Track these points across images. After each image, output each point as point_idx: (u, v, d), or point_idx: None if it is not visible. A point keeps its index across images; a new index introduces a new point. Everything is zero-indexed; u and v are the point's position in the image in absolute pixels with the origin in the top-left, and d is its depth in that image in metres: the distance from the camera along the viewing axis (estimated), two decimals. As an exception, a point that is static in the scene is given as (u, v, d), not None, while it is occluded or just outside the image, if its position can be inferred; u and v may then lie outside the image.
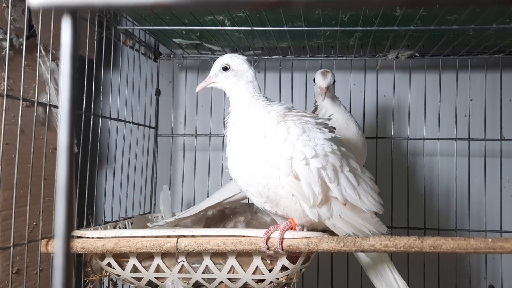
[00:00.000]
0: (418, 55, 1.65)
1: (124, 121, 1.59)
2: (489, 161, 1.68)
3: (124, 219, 1.47)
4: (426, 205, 1.67)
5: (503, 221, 1.63)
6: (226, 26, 1.47)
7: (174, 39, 1.66)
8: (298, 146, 1.03)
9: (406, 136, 1.71)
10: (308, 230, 1.13)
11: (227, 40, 1.63)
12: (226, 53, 1.72)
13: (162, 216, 1.57)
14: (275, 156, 1.03)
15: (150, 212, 1.72)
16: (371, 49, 1.66)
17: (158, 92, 1.82)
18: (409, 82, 1.70)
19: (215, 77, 1.13)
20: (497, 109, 1.67)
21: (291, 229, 1.12)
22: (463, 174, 1.67)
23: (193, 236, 1.14)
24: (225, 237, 1.12)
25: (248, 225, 1.41)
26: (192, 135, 1.79)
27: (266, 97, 1.13)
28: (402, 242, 1.08)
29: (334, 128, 1.17)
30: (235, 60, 1.12)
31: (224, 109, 1.75)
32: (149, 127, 1.73)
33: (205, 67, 1.86)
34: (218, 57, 1.75)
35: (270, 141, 1.04)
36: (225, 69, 1.11)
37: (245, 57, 1.14)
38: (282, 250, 1.08)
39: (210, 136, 1.78)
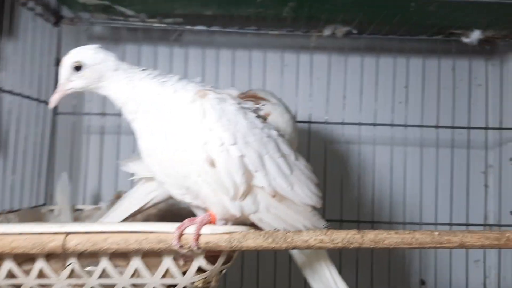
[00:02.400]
0: (355, 32, 1.51)
1: (12, 92, 1.30)
2: (425, 150, 1.58)
3: (7, 212, 1.20)
4: (360, 196, 1.55)
5: (438, 213, 1.55)
6: (139, -17, 1.24)
7: (78, -1, 1.39)
8: (216, 130, 0.88)
9: (341, 121, 1.57)
10: (234, 224, 0.94)
11: (142, 3, 1.40)
12: (141, 19, 1.50)
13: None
14: (189, 139, 0.88)
15: (45, 204, 1.44)
16: (305, 24, 1.50)
17: (58, 63, 1.54)
18: (345, 63, 1.56)
19: (69, 83, 0.91)
20: (434, 96, 1.58)
21: (211, 223, 0.92)
22: (399, 163, 1.56)
23: (86, 232, 0.90)
24: (127, 233, 0.90)
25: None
26: (99, 114, 1.53)
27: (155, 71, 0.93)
28: (340, 237, 0.92)
29: (265, 118, 1.01)
30: (85, 54, 0.90)
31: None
32: (45, 102, 1.45)
33: (118, 37, 1.61)
34: (132, 24, 1.54)
35: (183, 123, 0.88)
36: (78, 68, 0.90)
37: (96, 45, 0.92)
38: (198, 248, 0.89)
39: (121, 116, 1.52)
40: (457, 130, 1.61)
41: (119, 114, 1.46)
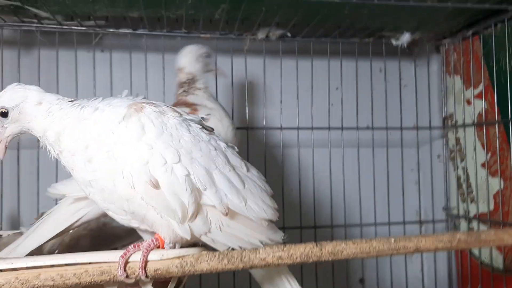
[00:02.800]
0: (289, 35, 1.48)
1: None
2: (361, 151, 1.59)
3: None
4: (301, 201, 1.53)
5: (377, 212, 1.57)
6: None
7: (-18, -3, 1.22)
8: (158, 147, 0.80)
9: (279, 126, 1.53)
10: (183, 247, 0.86)
11: (59, 4, 1.26)
12: (58, 21, 1.36)
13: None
14: (128, 160, 0.79)
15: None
16: (239, 27, 1.44)
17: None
18: (280, 66, 1.53)
19: (5, 130, 0.85)
20: (367, 98, 1.59)
21: (159, 247, 0.83)
22: (337, 166, 1.55)
23: (13, 269, 0.78)
24: (63, 266, 0.78)
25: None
26: (13, 128, 1.36)
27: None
28: (298, 252, 0.88)
29: (212, 129, 0.93)
30: (5, 98, 0.84)
31: (58, 89, 1.37)
32: None
33: (30, 42, 1.45)
34: (46, 26, 1.39)
35: (119, 143, 0.80)
36: (4, 114, 0.84)
37: (14, 84, 0.85)
38: (147, 276, 0.80)
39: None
40: (389, 130, 1.63)
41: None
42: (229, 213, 0.84)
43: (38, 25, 1.38)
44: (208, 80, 1.30)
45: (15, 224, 1.37)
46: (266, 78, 1.52)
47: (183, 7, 1.30)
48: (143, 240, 0.85)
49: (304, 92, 1.56)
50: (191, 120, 0.89)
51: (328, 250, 0.89)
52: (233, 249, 0.85)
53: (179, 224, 0.81)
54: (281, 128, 1.53)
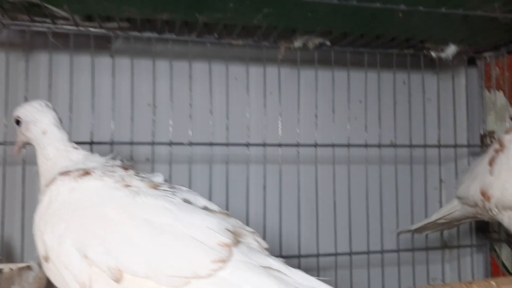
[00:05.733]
0: (328, 44, 1.36)
1: None
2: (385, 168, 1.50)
3: None
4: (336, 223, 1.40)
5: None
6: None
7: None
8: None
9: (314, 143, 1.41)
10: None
11: (82, 1, 1.10)
12: (75, 21, 1.20)
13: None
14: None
15: None
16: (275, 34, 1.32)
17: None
18: (316, 77, 1.41)
19: (19, 135, 0.93)
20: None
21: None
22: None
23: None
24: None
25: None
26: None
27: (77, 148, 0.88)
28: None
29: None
30: (22, 110, 0.92)
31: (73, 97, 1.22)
32: None
33: (40, 44, 1.28)
34: (62, 28, 1.23)
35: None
36: (18, 123, 0.91)
37: (38, 101, 0.92)
38: None
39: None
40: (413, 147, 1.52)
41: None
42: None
43: (51, 25, 1.21)
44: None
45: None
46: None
47: (222, 11, 1.17)
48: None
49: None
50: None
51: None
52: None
53: None
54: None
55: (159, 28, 1.27)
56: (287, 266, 0.66)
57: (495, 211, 0.98)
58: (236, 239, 0.67)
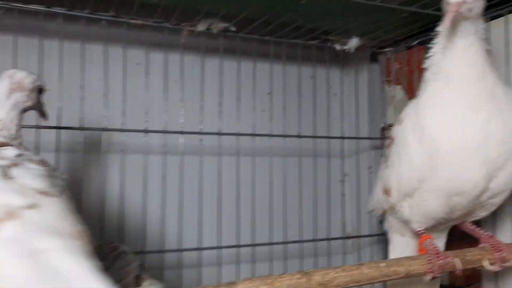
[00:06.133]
0: (234, 29, 1.32)
1: None
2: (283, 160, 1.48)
3: None
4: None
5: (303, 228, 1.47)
6: None
7: None
8: None
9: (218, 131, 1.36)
10: None
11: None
12: None
13: None
14: None
15: None
16: (177, 15, 1.25)
17: None
18: (221, 65, 1.36)
19: None
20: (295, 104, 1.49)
21: None
22: (263, 174, 1.43)
23: None
24: None
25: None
26: None
27: None
28: (284, 285, 0.73)
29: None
30: None
31: None
32: None
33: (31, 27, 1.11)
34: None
35: None
36: None
37: None
38: None
39: None
40: (318, 139, 1.55)
41: None
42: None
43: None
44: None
45: None
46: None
47: (117, -16, 1.08)
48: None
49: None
50: None
51: (316, 280, 0.75)
52: None
53: None
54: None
55: (48, 1, 1.15)
56: None
57: (398, 206, 0.98)
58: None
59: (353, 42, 1.41)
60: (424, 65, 0.90)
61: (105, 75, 1.25)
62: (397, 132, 0.95)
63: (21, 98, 0.88)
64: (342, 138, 1.58)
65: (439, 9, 0.86)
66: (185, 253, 1.32)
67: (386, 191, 0.99)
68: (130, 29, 1.27)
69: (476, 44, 0.82)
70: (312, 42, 1.46)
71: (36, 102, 0.91)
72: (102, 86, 1.25)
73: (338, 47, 1.46)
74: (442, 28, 0.84)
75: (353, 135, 1.58)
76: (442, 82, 0.84)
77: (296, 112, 1.49)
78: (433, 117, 0.84)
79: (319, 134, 1.53)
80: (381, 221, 1.58)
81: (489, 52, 0.86)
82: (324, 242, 1.54)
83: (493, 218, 1.15)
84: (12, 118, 0.86)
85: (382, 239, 1.62)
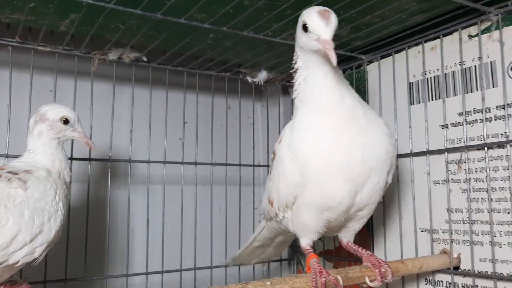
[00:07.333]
0: (145, 59, 1.35)
1: None
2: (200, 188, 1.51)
3: None
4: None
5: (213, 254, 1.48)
6: None
7: None
8: None
9: (128, 158, 1.36)
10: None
11: None
12: None
13: None
14: None
15: None
16: (87, 44, 1.27)
17: None
18: (132, 93, 1.38)
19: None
20: (209, 134, 1.53)
21: None
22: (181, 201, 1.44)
23: None
24: None
25: None
26: None
27: None
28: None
29: None
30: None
31: None
32: None
33: None
34: None
35: None
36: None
37: None
38: None
39: None
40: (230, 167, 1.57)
41: None
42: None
43: None
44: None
45: None
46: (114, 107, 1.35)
47: (21, 11, 1.08)
48: None
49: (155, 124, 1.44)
50: None
51: None
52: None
53: None
54: (130, 161, 1.36)
55: None
56: None
57: (280, 216, 1.04)
58: None
59: (262, 75, 1.49)
60: (292, 96, 0.98)
61: (13, 101, 1.24)
62: (277, 149, 1.02)
63: (44, 128, 0.97)
64: (253, 166, 1.62)
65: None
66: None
67: (270, 202, 1.07)
68: (39, 56, 1.26)
69: (332, 71, 0.91)
70: (225, 74, 1.52)
71: (60, 131, 1.00)
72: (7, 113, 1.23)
73: (249, 79, 1.54)
74: (300, 63, 0.94)
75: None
76: (308, 108, 0.93)
77: (209, 141, 1.52)
78: (303, 140, 0.92)
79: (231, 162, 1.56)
80: (292, 246, 1.65)
81: (345, 78, 0.97)
82: (235, 267, 1.55)
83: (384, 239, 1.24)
84: (38, 146, 0.97)
85: (289, 263, 1.68)
